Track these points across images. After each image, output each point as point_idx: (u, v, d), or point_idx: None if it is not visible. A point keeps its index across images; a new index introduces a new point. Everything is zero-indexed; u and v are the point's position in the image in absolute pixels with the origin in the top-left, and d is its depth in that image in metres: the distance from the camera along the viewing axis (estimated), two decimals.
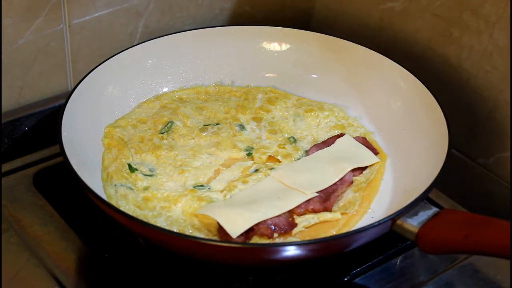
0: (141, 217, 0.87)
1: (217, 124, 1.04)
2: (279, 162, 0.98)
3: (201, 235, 0.86)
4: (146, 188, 0.92)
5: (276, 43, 1.13)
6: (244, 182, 0.94)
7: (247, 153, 0.99)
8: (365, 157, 0.98)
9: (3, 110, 1.06)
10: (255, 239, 0.86)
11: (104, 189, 0.92)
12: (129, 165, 0.95)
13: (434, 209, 0.82)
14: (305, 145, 1.01)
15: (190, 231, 0.87)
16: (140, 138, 0.99)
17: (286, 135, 1.03)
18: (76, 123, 0.94)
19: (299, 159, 0.98)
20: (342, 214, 0.91)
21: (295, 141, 1.02)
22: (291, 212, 0.90)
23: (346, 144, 1.00)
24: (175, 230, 0.86)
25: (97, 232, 0.93)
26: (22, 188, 0.98)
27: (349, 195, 0.94)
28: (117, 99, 1.04)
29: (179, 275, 0.89)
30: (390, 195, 0.95)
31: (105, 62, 1.03)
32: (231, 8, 1.22)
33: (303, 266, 0.89)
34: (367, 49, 1.07)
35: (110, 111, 1.02)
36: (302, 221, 0.89)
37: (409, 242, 0.82)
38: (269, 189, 0.92)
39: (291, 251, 0.79)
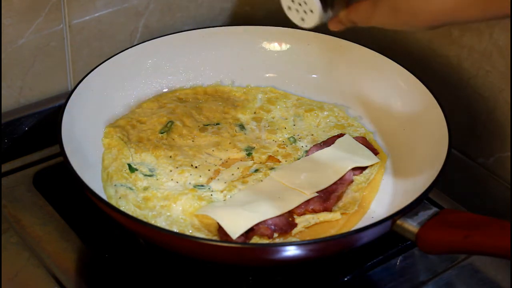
0: (141, 217, 0.87)
1: (217, 124, 1.04)
2: (279, 162, 0.98)
3: (201, 235, 0.86)
4: (146, 188, 0.92)
5: (276, 43, 1.13)
6: (244, 182, 0.94)
7: (247, 153, 0.99)
8: (365, 157, 0.98)
9: (3, 110, 1.06)
10: (255, 239, 0.86)
11: (104, 189, 0.92)
12: (129, 165, 0.95)
13: (434, 209, 0.82)
14: (305, 145, 1.01)
15: (190, 231, 0.87)
16: (140, 138, 0.99)
17: (286, 135, 1.03)
18: (76, 123, 0.94)
19: (299, 159, 0.98)
20: (342, 214, 0.91)
21: (295, 141, 1.02)
22: (291, 212, 0.90)
23: (346, 144, 1.00)
24: (175, 230, 0.86)
25: (97, 232, 0.93)
26: (22, 188, 0.98)
27: (349, 195, 0.94)
28: (117, 99, 1.04)
29: (179, 275, 0.89)
30: (390, 195, 0.95)
31: (105, 62, 1.03)
32: (231, 8, 1.22)
33: (303, 266, 0.89)
34: (367, 49, 1.07)
35: (110, 111, 1.02)
36: (302, 221, 0.89)
37: (409, 242, 0.82)
38: (269, 189, 0.93)
39: (291, 251, 0.79)
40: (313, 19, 0.83)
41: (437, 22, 0.72)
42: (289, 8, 0.85)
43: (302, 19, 0.84)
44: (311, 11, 0.82)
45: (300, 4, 0.83)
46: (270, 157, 0.99)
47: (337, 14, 0.84)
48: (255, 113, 1.07)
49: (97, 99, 1.01)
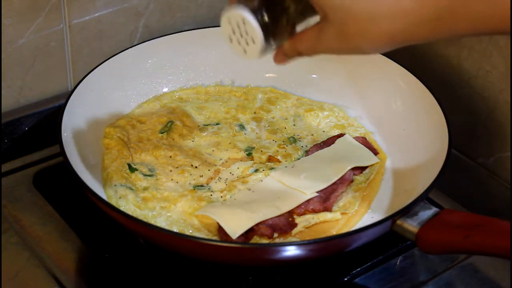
0: (141, 217, 0.87)
1: (217, 124, 1.04)
2: (279, 162, 0.98)
3: (201, 235, 0.86)
4: (146, 188, 0.92)
5: None
6: (244, 182, 0.94)
7: (247, 153, 0.99)
8: (365, 157, 0.98)
9: (3, 110, 1.06)
10: (255, 239, 0.86)
11: (104, 189, 0.92)
12: (129, 165, 0.95)
13: (434, 209, 0.82)
14: (305, 145, 1.01)
15: (190, 231, 0.87)
16: (139, 138, 0.99)
17: (286, 135, 1.03)
18: (76, 123, 0.94)
19: (299, 159, 0.98)
20: (342, 214, 0.91)
21: (295, 141, 1.02)
22: (291, 212, 0.90)
23: (346, 144, 1.00)
24: (175, 230, 0.86)
25: (97, 232, 0.93)
26: (22, 188, 0.98)
27: (349, 195, 0.94)
28: (117, 99, 1.04)
29: (179, 275, 0.89)
30: (390, 195, 0.95)
31: (105, 62, 1.03)
32: None
33: (303, 266, 0.89)
34: None
35: (110, 111, 1.02)
36: (302, 221, 0.89)
37: (409, 242, 0.82)
38: (269, 189, 0.93)
39: (291, 251, 0.79)
40: (255, 50, 0.78)
41: (387, 44, 0.70)
42: (231, 39, 0.80)
43: (244, 51, 0.79)
44: (253, 41, 0.77)
45: (241, 35, 0.78)
46: (270, 157, 0.99)
47: (281, 45, 0.79)
48: (255, 113, 1.07)
49: (97, 99, 1.00)
